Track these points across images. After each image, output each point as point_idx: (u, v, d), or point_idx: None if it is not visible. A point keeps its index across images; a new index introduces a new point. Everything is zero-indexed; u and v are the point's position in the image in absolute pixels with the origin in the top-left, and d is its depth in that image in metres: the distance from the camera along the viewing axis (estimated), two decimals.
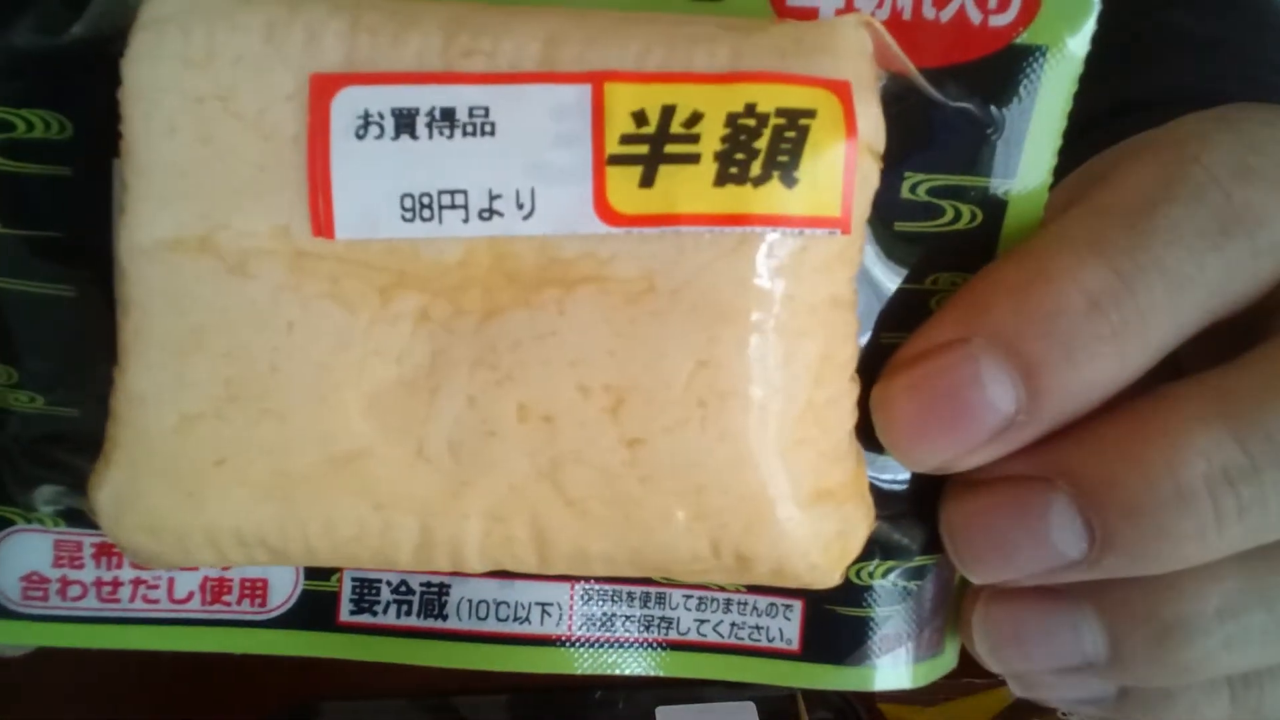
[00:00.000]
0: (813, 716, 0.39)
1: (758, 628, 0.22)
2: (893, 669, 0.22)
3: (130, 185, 0.18)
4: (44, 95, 0.20)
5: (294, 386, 0.18)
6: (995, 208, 0.20)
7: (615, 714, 0.39)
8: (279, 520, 0.19)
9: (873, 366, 0.20)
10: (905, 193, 0.20)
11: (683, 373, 0.18)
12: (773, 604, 0.22)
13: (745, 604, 0.22)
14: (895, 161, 0.19)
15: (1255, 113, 0.19)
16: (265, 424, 0.18)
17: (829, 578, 0.19)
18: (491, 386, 0.18)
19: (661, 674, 0.22)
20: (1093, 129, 0.21)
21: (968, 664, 0.46)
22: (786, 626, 0.22)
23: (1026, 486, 0.18)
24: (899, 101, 0.19)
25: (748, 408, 0.18)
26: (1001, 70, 0.19)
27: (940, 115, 0.19)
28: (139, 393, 0.18)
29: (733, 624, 0.22)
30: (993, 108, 0.19)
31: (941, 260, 0.20)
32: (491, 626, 0.22)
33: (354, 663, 0.43)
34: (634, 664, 0.22)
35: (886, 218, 0.20)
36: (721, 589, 0.22)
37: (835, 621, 0.22)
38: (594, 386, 0.18)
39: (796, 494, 0.18)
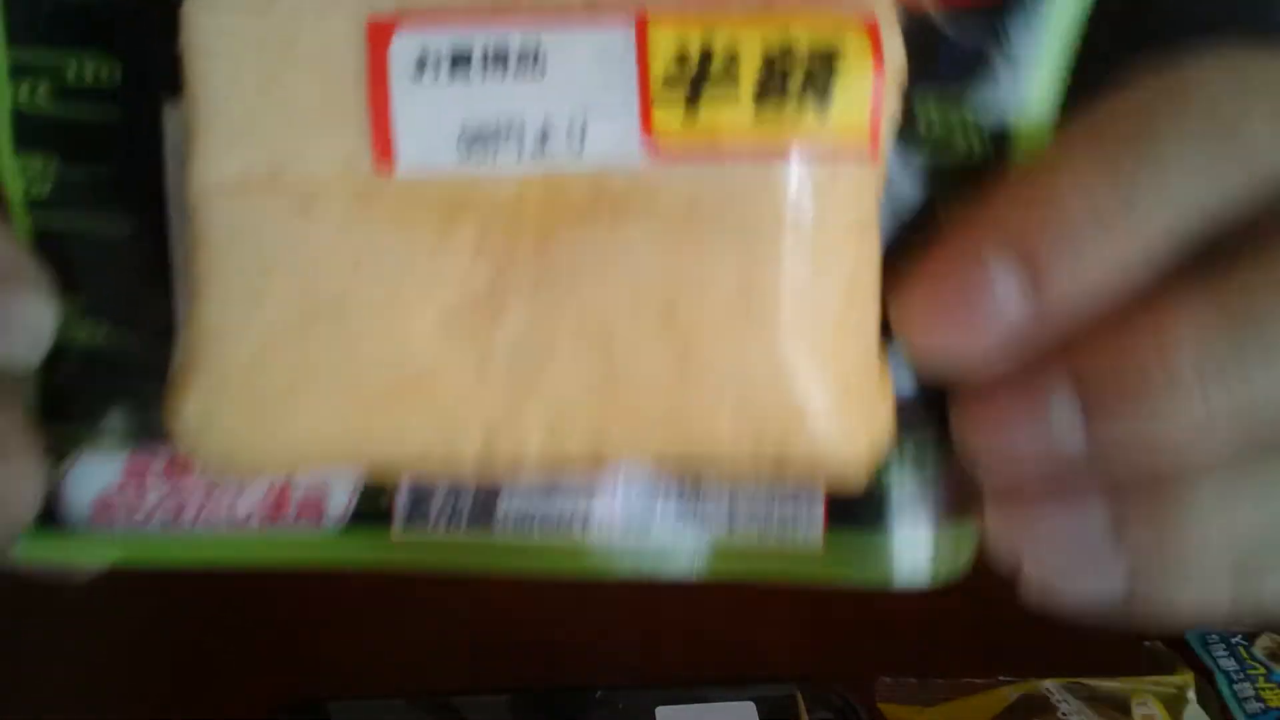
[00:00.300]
0: (813, 716, 0.39)
1: (786, 517, 0.23)
2: (910, 553, 0.23)
3: (195, 129, 0.19)
4: (94, 38, 0.21)
5: (362, 315, 0.19)
6: (1002, 138, 0.21)
7: (615, 714, 0.39)
8: (350, 439, 0.20)
9: (886, 288, 0.21)
10: (917, 124, 0.21)
11: (728, 289, 0.19)
12: (798, 496, 0.23)
13: (774, 497, 0.23)
14: (906, 93, 0.20)
15: (1254, 48, 0.21)
16: (335, 351, 0.19)
17: (859, 477, 0.21)
18: (549, 308, 0.19)
19: (701, 572, 0.23)
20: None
21: (968, 664, 0.46)
22: (813, 515, 0.23)
23: (1030, 381, 0.20)
24: (911, 33, 0.20)
25: (786, 322, 0.19)
26: (1011, 3, 0.20)
27: (949, 47, 0.21)
28: (212, 326, 0.19)
29: (765, 515, 0.23)
30: (1001, 40, 0.21)
31: (950, 190, 0.21)
32: (536, 532, 0.23)
33: (353, 662, 0.43)
34: (674, 563, 0.23)
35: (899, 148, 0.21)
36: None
37: (856, 507, 0.23)
38: (646, 304, 0.19)
39: (830, 400, 0.20)
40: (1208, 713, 0.40)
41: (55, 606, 0.48)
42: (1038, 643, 0.49)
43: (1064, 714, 0.38)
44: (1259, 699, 0.40)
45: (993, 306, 0.19)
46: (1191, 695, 0.39)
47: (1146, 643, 0.44)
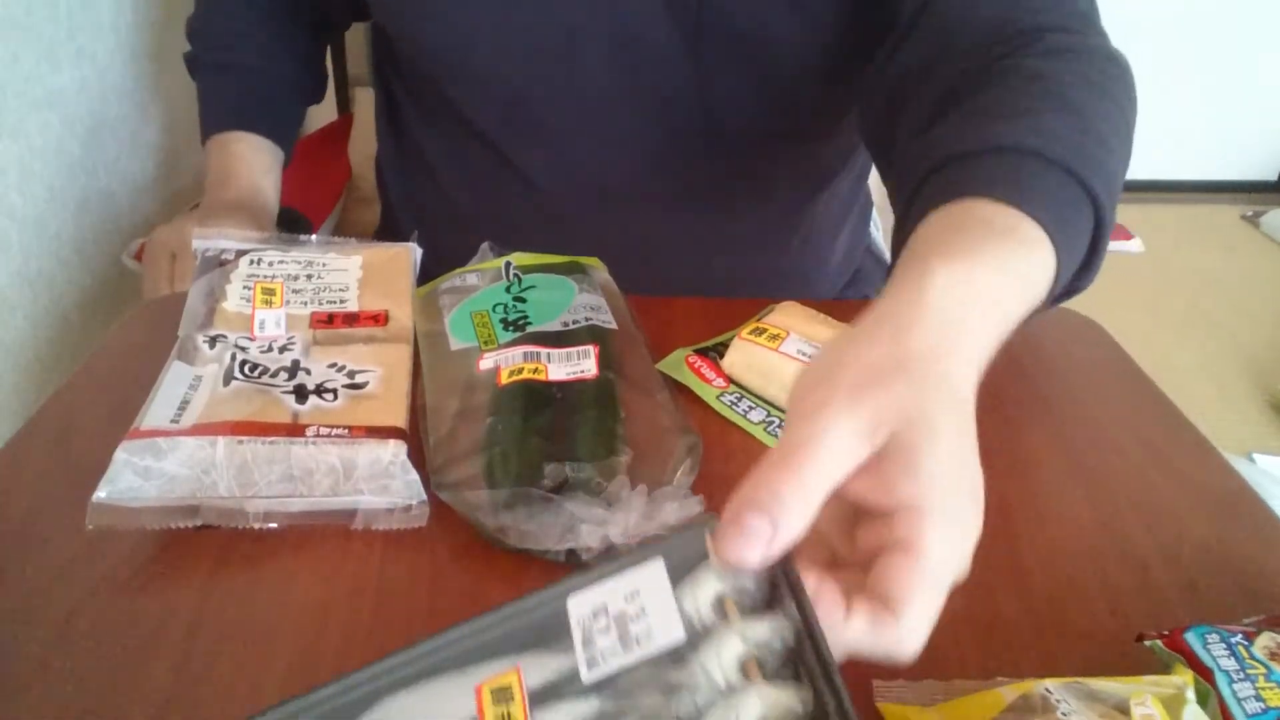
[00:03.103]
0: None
1: None
2: None
3: None
4: None
5: None
6: None
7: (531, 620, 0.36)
8: None
9: None
10: None
11: None
12: None
13: None
14: None
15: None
16: None
17: None
18: None
19: None
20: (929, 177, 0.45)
21: (967, 664, 0.46)
22: None
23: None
24: None
25: None
26: None
27: None
28: None
29: None
30: None
31: None
32: None
33: (352, 655, 0.43)
34: None
35: None
36: None
37: None
38: None
39: None
40: (1207, 713, 0.39)
41: (56, 605, 0.48)
42: (1038, 643, 0.49)
43: (1064, 714, 0.38)
44: (1259, 699, 0.40)
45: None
46: (1191, 695, 0.39)
47: (1146, 643, 0.44)
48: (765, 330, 0.66)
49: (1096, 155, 0.50)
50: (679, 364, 0.68)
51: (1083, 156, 0.49)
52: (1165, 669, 0.43)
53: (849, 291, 1.03)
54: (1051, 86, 0.54)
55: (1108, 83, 0.56)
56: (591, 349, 0.63)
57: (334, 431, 0.54)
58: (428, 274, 0.73)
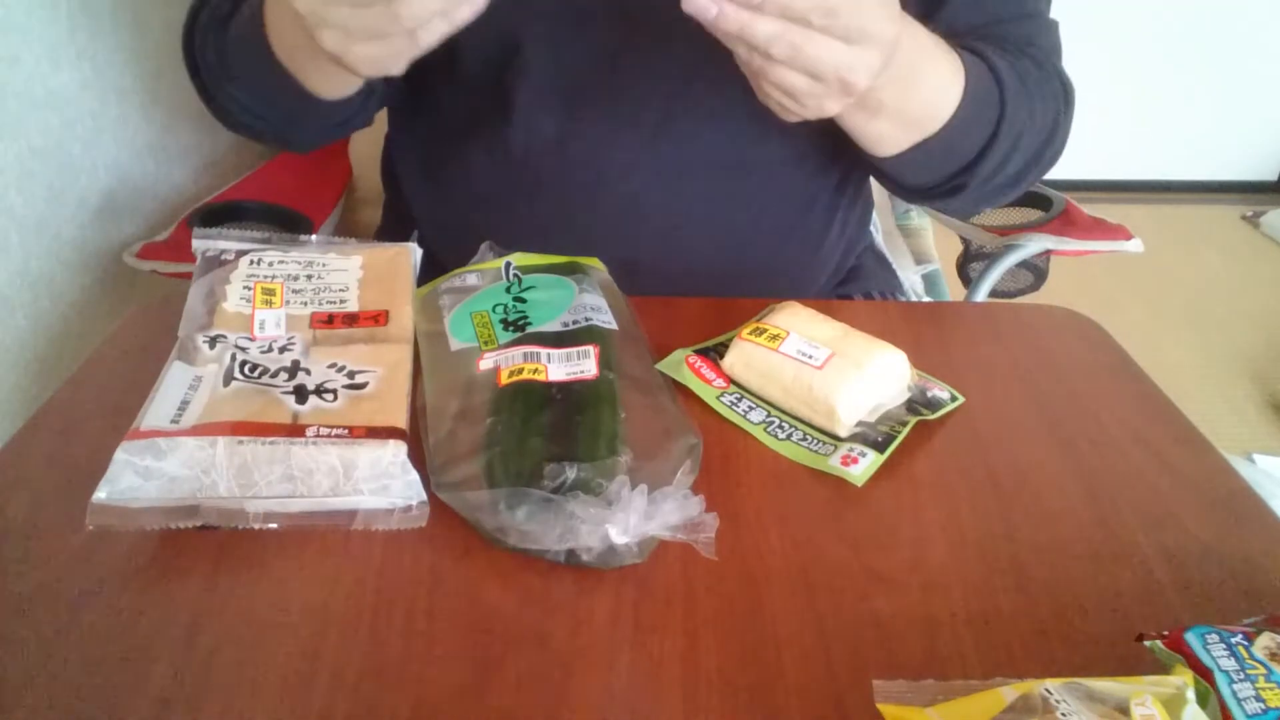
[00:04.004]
0: None
1: None
2: None
3: None
4: None
5: None
6: None
7: None
8: None
9: None
10: None
11: None
12: None
13: None
14: None
15: None
16: None
17: None
18: None
19: None
20: None
21: (967, 664, 0.46)
22: None
23: None
24: None
25: None
26: None
27: None
28: None
29: None
30: None
31: None
32: None
33: (352, 655, 0.43)
34: None
35: None
36: None
37: None
38: None
39: None
40: (1207, 713, 0.39)
41: (56, 605, 0.48)
42: (1038, 643, 0.49)
43: (1064, 714, 0.38)
44: (1259, 699, 0.40)
45: None
46: (1191, 695, 0.39)
47: (1146, 643, 0.44)
48: (765, 331, 0.66)
49: (1023, 102, 0.72)
50: (679, 364, 0.68)
51: (1013, 90, 0.71)
52: (1165, 669, 0.43)
53: (849, 289, 1.03)
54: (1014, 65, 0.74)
55: (1057, 93, 0.78)
56: (591, 349, 0.63)
57: (334, 432, 0.54)
58: (438, 258, 0.73)
